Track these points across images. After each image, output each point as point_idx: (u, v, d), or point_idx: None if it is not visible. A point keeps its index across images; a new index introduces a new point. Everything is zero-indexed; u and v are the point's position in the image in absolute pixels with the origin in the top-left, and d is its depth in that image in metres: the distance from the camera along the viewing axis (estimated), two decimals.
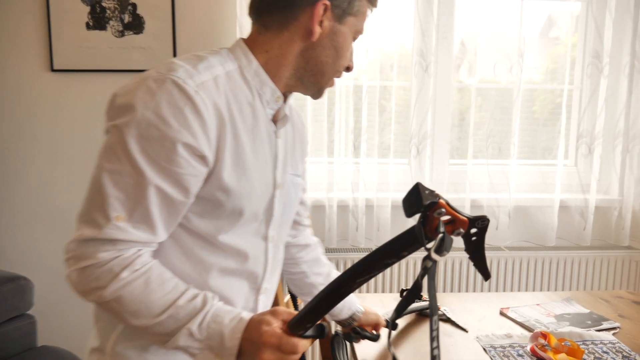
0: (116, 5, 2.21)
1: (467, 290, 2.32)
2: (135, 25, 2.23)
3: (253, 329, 0.86)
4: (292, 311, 0.89)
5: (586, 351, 1.33)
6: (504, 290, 2.33)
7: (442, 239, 0.75)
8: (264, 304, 1.09)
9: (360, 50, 2.17)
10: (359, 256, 2.24)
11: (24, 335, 1.91)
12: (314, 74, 0.98)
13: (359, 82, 2.20)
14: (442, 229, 0.76)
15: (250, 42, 0.97)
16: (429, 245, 0.76)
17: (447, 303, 1.69)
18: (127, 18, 2.22)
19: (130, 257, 0.84)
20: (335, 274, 1.36)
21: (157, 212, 0.84)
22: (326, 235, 2.27)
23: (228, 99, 0.90)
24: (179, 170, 0.83)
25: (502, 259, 2.32)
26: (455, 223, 0.80)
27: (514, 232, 2.39)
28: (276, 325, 0.85)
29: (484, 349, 1.37)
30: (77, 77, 2.26)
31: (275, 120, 1.01)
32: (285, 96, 1.02)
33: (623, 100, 2.32)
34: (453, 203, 2.24)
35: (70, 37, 2.22)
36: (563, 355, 1.28)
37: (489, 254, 2.30)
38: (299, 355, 0.86)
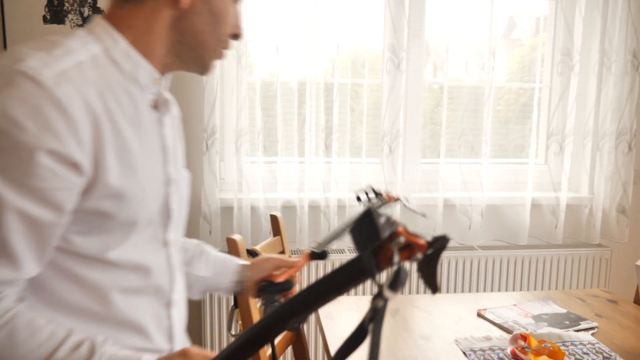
0: None
1: (440, 292, 2.29)
2: None
3: None
4: (206, 353, 0.78)
5: (567, 353, 1.30)
6: (478, 290, 2.31)
7: (398, 273, 0.56)
8: (178, 318, 0.95)
9: (331, 46, 2.12)
10: (331, 258, 2.19)
11: None
12: (192, 48, 0.83)
13: (330, 79, 2.15)
14: (396, 259, 0.58)
15: (112, 19, 0.81)
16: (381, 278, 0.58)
17: (422, 305, 1.65)
18: (86, 11, 2.11)
19: None
20: (207, 250, 1.14)
21: (21, 242, 0.68)
22: (297, 236, 2.20)
23: (99, 88, 0.74)
24: (43, 185, 0.67)
25: (475, 259, 2.30)
26: (413, 249, 0.61)
27: (487, 231, 2.37)
28: None
29: (464, 353, 1.33)
30: None
31: (156, 106, 0.87)
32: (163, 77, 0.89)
33: (592, 99, 2.33)
34: (426, 202, 2.18)
35: (26, 31, 2.09)
36: (544, 357, 1.25)
37: (462, 254, 2.28)
38: None
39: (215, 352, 0.73)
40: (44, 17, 2.10)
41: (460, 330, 1.46)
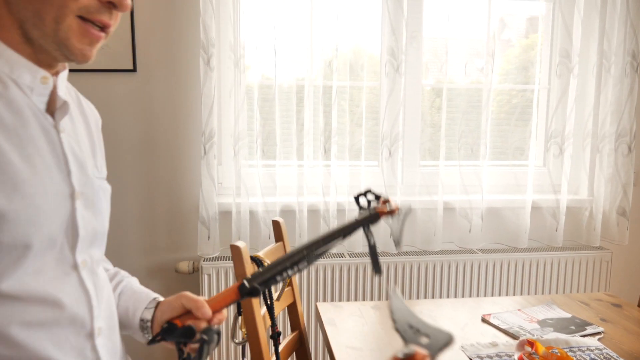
0: None
1: (441, 296, 2.27)
2: None
3: None
4: None
5: (574, 359, 1.28)
6: (478, 294, 2.29)
7: None
8: (107, 347, 0.83)
9: (329, 49, 2.10)
10: (332, 262, 2.16)
11: None
12: (36, 23, 0.69)
13: (328, 82, 2.12)
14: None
15: None
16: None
17: (425, 310, 1.62)
18: None
19: None
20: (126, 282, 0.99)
21: None
22: (297, 241, 2.18)
23: None
24: None
25: (475, 262, 2.28)
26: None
27: (487, 234, 2.36)
28: None
29: (470, 359, 1.31)
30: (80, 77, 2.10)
31: (51, 110, 0.77)
32: (57, 75, 0.78)
33: (592, 100, 2.32)
34: (426, 206, 2.14)
35: None
36: None
37: (462, 257, 2.26)
38: None
39: None
40: None
41: (466, 336, 1.44)
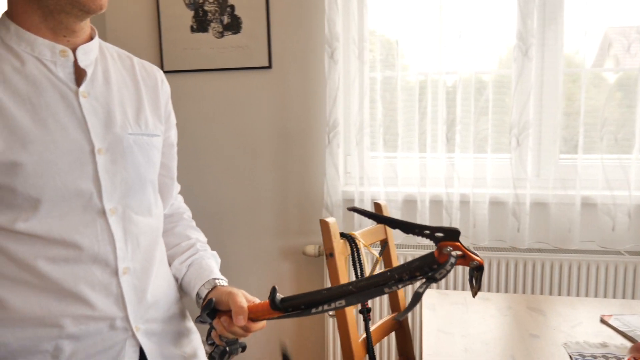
0: (216, 8, 2.33)
1: (568, 294, 2.09)
2: (234, 25, 2.33)
3: None
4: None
5: None
6: (615, 297, 2.06)
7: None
8: (133, 284, 0.94)
9: (453, 35, 2.06)
10: None
11: None
12: None
13: (453, 68, 2.09)
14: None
15: (7, 9, 0.88)
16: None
17: (536, 305, 1.53)
18: (226, 19, 2.33)
19: None
20: (200, 258, 1.09)
21: None
22: None
23: None
24: None
25: (620, 265, 2.05)
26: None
27: (635, 234, 2.10)
28: None
29: (570, 356, 1.21)
30: (183, 77, 2.42)
31: (78, 78, 0.89)
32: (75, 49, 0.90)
33: None
34: (561, 200, 1.97)
35: (178, 40, 2.38)
36: None
37: (605, 258, 2.05)
38: None
39: None
40: (191, 27, 2.36)
41: (575, 334, 1.34)
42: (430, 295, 1.61)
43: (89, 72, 0.92)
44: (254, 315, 0.89)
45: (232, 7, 2.32)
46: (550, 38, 2.10)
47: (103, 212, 0.89)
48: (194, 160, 2.44)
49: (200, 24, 2.35)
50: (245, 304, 0.91)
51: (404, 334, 1.58)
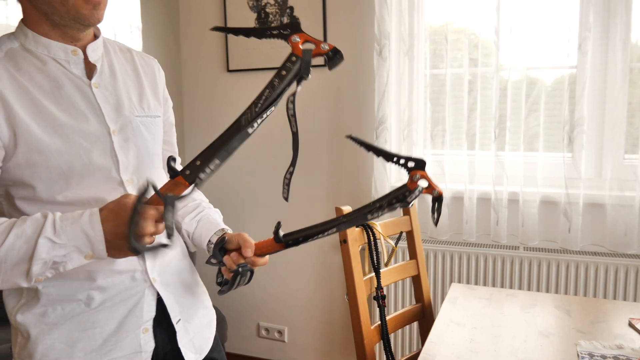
0: (277, 10, 2.47)
1: (624, 299, 1.97)
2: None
3: (110, 204, 0.88)
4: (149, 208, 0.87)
5: None
6: None
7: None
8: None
9: (505, 29, 2.03)
10: (500, 253, 2.09)
11: None
12: (52, 11, 0.96)
13: (504, 63, 2.05)
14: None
15: (23, 18, 1.03)
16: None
17: (561, 304, 1.49)
18: (285, 20, 2.45)
19: None
20: (206, 213, 1.22)
21: None
22: (464, 227, 2.16)
23: (12, 75, 0.96)
24: None
25: None
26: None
27: None
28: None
29: (578, 355, 1.19)
30: (247, 76, 2.58)
31: (89, 73, 1.03)
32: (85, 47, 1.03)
33: None
34: (621, 202, 1.88)
35: (242, 40, 2.54)
36: None
37: None
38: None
39: None
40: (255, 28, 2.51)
41: (593, 334, 1.30)
42: (458, 289, 1.62)
43: (98, 66, 1.07)
44: (259, 251, 1.02)
45: (292, 8, 2.44)
46: (613, 31, 1.99)
47: (121, 183, 1.04)
48: (252, 155, 2.59)
49: (262, 25, 2.50)
50: (252, 240, 1.04)
51: (427, 325, 1.60)
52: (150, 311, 1.08)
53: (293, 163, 0.93)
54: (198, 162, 0.86)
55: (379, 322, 1.46)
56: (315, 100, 2.45)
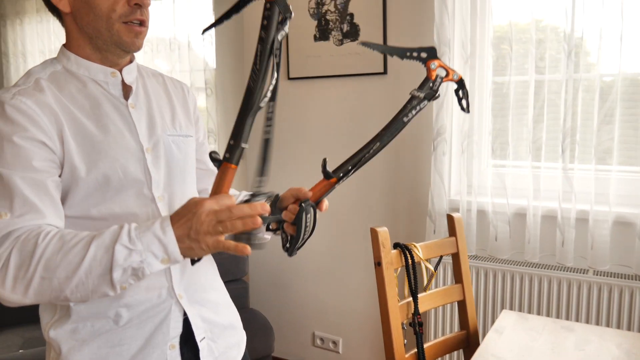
0: (337, 17, 2.43)
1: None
2: (352, 33, 2.40)
3: (181, 209, 0.88)
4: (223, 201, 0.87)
5: None
6: None
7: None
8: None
9: (576, 35, 1.87)
10: (565, 276, 1.93)
11: (236, 297, 2.28)
12: (97, 35, 1.02)
13: (573, 71, 1.89)
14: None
15: (66, 41, 1.08)
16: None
17: (633, 345, 1.34)
18: (345, 27, 2.42)
19: (32, 232, 0.90)
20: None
21: (30, 195, 0.93)
22: (526, 247, 2.02)
23: (55, 95, 1.01)
24: (24, 154, 0.93)
25: None
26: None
27: None
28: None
29: None
30: (306, 83, 2.57)
31: (126, 94, 1.08)
32: (124, 68, 1.07)
33: None
34: None
35: (302, 48, 2.54)
36: None
37: None
38: (239, 211, 0.85)
39: None
40: (314, 36, 2.50)
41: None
42: (507, 317, 1.51)
43: (134, 87, 1.12)
44: (315, 196, 1.02)
45: (352, 15, 2.39)
46: None
47: (153, 199, 1.07)
48: (312, 162, 2.58)
49: (322, 33, 2.48)
50: (305, 188, 1.06)
51: (471, 354, 1.51)
52: (176, 328, 1.09)
53: (262, 172, 0.93)
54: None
55: (416, 350, 1.39)
56: (374, 113, 2.39)
